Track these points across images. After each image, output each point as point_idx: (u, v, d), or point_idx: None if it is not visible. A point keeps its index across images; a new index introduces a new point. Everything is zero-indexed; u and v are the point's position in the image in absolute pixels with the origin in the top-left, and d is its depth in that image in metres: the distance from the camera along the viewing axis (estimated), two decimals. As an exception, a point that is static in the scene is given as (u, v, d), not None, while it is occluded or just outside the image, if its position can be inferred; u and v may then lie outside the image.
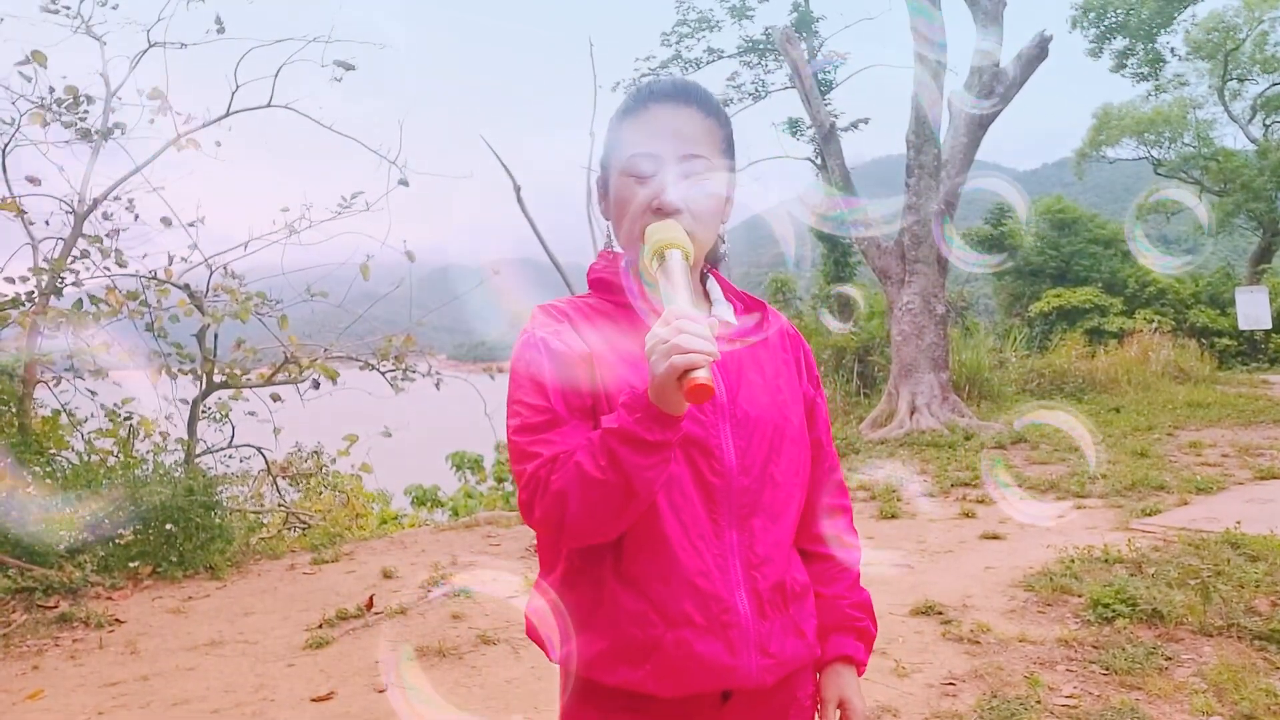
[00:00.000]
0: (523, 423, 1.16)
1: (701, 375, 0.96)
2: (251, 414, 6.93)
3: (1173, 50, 25.04)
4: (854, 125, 20.78)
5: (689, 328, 0.98)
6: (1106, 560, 4.75)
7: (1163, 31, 23.92)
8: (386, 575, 5.28)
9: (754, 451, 1.20)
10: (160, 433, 6.45)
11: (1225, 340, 21.89)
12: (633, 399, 1.06)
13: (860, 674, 1.34)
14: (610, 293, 1.27)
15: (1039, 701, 3.10)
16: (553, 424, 1.14)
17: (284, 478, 7.80)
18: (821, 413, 1.37)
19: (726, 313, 1.29)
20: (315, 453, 7.99)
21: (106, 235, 6.23)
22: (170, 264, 6.38)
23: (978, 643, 3.75)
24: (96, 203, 6.17)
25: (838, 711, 1.32)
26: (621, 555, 1.17)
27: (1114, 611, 3.88)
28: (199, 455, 6.67)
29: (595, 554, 1.19)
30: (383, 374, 7.07)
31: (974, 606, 4.26)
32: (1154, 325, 20.14)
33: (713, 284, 1.33)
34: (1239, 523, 5.15)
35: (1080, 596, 4.21)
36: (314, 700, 3.44)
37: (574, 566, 1.22)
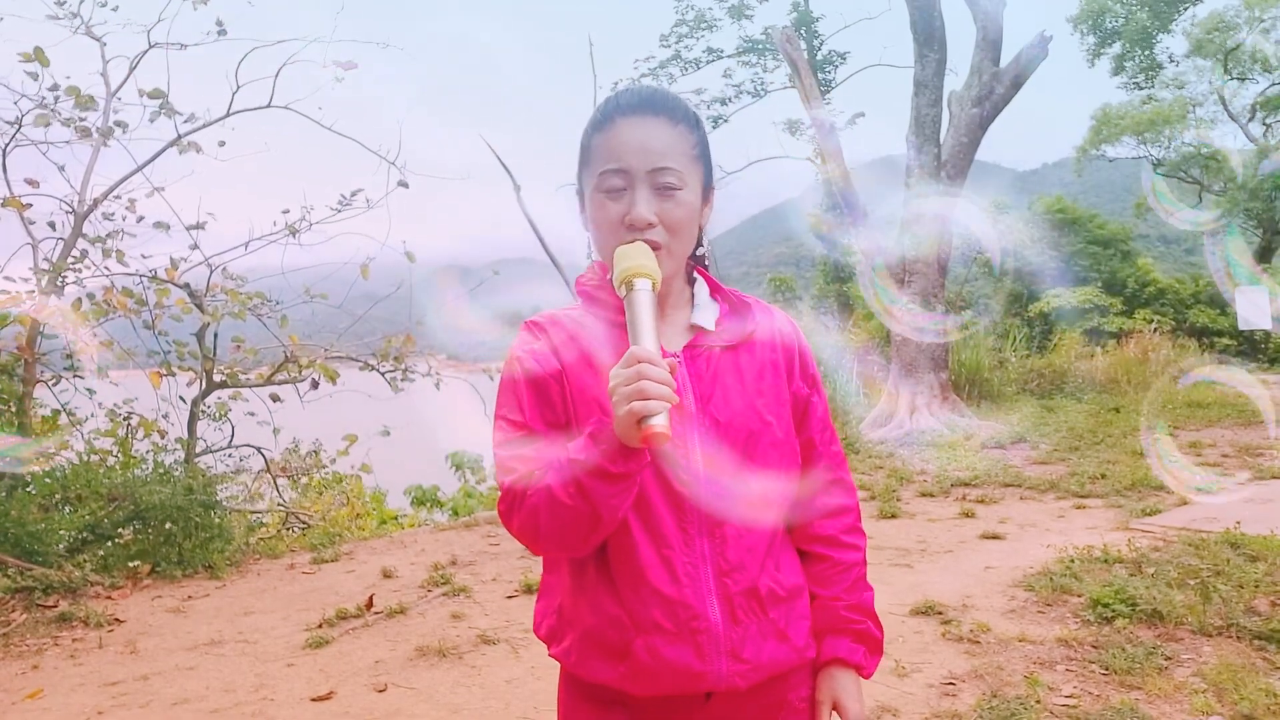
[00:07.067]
0: (504, 437, 1.22)
1: (658, 423, 0.99)
2: (251, 414, 6.93)
3: (1170, 56, 25.05)
4: (853, 121, 20.81)
5: (649, 373, 1.00)
6: (1106, 560, 4.75)
7: (1160, 35, 23.92)
8: (386, 575, 5.28)
9: (724, 458, 1.20)
10: (159, 432, 6.44)
11: (1225, 340, 21.90)
12: (599, 430, 1.08)
13: (865, 676, 1.31)
14: (596, 306, 1.29)
15: (1039, 701, 3.10)
16: (528, 439, 1.20)
17: (283, 477, 7.80)
18: (817, 413, 1.34)
19: (708, 317, 1.28)
20: (314, 452, 7.98)
21: (108, 235, 6.22)
22: (175, 266, 6.38)
23: (977, 642, 3.75)
24: (96, 203, 6.17)
25: (834, 714, 1.30)
26: (605, 561, 1.20)
27: (1114, 611, 3.88)
28: (199, 455, 6.67)
29: (584, 558, 1.22)
30: (382, 374, 7.07)
31: (974, 606, 4.27)
32: (1153, 325, 20.14)
33: (700, 285, 1.32)
34: (1239, 523, 5.15)
35: (1080, 596, 4.21)
36: (314, 700, 3.44)
37: (572, 567, 1.25)
